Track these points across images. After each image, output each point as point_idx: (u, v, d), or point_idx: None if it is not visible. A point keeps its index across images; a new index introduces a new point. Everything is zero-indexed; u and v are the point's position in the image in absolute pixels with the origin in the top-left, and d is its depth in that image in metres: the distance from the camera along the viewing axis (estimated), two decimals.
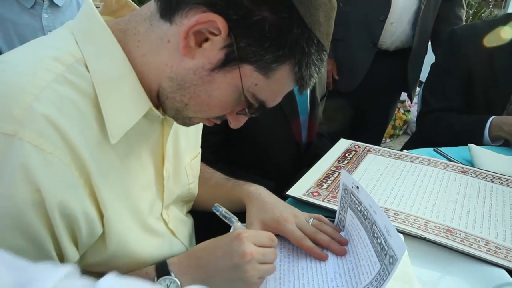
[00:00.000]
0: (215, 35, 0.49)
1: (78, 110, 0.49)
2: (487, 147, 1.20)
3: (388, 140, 3.31)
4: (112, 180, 0.55)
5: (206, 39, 0.50)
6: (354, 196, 0.71)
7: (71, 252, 0.52)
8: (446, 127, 1.31)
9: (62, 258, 0.52)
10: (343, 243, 0.73)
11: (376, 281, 0.59)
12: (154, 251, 0.65)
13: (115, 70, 0.52)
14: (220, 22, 0.47)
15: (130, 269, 0.62)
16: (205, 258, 0.62)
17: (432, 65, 1.56)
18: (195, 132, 0.80)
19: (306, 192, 0.88)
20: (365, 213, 0.67)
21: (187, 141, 0.76)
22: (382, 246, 0.60)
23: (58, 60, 0.50)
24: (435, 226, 0.78)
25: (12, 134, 0.44)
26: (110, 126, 0.52)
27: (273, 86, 0.54)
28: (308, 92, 1.17)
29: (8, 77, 0.47)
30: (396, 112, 3.29)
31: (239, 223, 0.68)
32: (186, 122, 0.60)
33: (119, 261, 0.59)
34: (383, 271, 0.58)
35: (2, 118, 0.44)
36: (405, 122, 3.30)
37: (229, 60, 0.50)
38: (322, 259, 0.70)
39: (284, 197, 0.87)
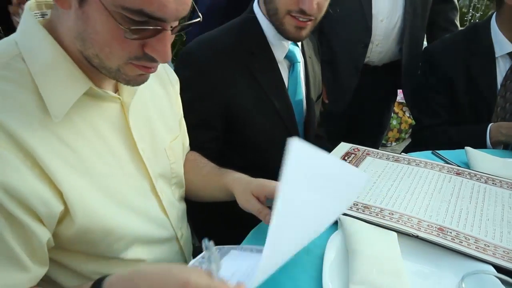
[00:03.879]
0: None
1: (14, 100, 0.57)
2: (484, 150, 1.24)
3: (394, 143, 3.34)
4: (66, 158, 0.61)
5: None
6: None
7: (40, 231, 0.59)
8: (446, 141, 1.36)
9: (30, 239, 0.58)
10: None
11: None
12: (133, 226, 0.71)
13: (48, 57, 0.60)
14: None
15: (108, 245, 0.67)
16: None
17: (415, 85, 1.62)
18: (173, 115, 0.87)
19: None
20: None
21: (165, 123, 0.82)
22: None
23: None
24: (428, 225, 0.82)
25: None
26: (51, 108, 0.59)
27: None
28: (303, 93, 1.22)
29: None
30: (401, 115, 3.32)
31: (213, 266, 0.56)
32: (124, 77, 0.61)
33: (94, 236, 0.65)
34: None
35: None
36: (411, 125, 3.32)
37: None
38: None
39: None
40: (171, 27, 0.57)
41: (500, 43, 1.41)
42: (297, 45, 1.19)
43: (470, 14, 5.31)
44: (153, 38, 0.57)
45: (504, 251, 0.76)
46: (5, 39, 0.63)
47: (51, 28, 0.61)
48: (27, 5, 0.63)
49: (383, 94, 1.83)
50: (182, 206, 0.90)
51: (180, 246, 0.86)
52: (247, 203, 0.79)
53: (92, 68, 0.61)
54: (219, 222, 1.18)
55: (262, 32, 1.10)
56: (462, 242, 0.77)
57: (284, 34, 1.05)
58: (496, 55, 1.42)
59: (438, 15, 1.78)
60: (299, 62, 1.20)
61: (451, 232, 0.80)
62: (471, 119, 1.47)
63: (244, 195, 0.80)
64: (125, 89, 0.70)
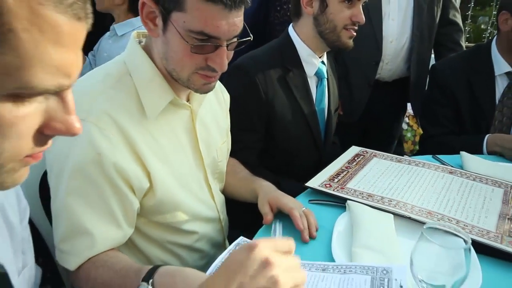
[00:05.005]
0: (154, 12, 0.77)
1: (123, 104, 0.80)
2: (481, 156, 1.41)
3: (408, 155, 3.49)
4: (154, 149, 0.84)
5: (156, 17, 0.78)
6: None
7: (134, 200, 0.82)
8: (448, 149, 1.51)
9: (126, 205, 0.81)
10: (312, 236, 0.93)
11: None
12: (191, 204, 0.94)
13: (147, 73, 0.84)
14: (148, 2, 0.76)
15: (174, 216, 0.90)
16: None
17: (424, 98, 1.83)
18: (224, 124, 1.10)
19: (321, 184, 1.14)
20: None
21: (218, 129, 1.05)
22: None
23: (110, 75, 0.83)
24: (419, 210, 1.01)
25: (83, 119, 0.75)
26: (147, 110, 0.83)
27: (194, 13, 0.73)
28: (326, 104, 1.44)
29: (82, 88, 0.79)
30: (416, 128, 3.48)
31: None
32: (193, 85, 0.82)
33: (166, 208, 0.89)
34: None
35: (77, 110, 0.77)
36: None
37: (165, 21, 0.76)
38: (300, 229, 0.92)
39: (304, 188, 1.13)
40: (227, 44, 0.79)
41: (499, 63, 1.60)
42: (325, 64, 1.42)
43: (489, 31, 5.44)
44: (213, 53, 0.78)
45: (479, 230, 0.94)
46: (116, 59, 0.87)
47: (147, 52, 0.85)
48: (132, 35, 0.88)
49: (393, 107, 2.02)
50: (223, 196, 1.12)
51: (222, 226, 1.08)
52: (262, 207, 1.01)
53: (174, 82, 0.84)
54: (247, 214, 1.39)
55: (296, 52, 1.34)
56: (445, 223, 0.96)
57: (338, 44, 1.30)
58: (496, 74, 1.60)
59: (444, 37, 1.98)
60: (326, 78, 1.42)
61: (437, 215, 0.99)
62: (472, 130, 1.65)
63: (262, 200, 1.01)
64: (195, 99, 0.94)
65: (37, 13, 0.33)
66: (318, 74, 1.39)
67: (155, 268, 0.71)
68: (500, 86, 1.61)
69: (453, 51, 1.96)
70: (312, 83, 1.39)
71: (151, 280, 0.68)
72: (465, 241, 0.66)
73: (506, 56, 1.58)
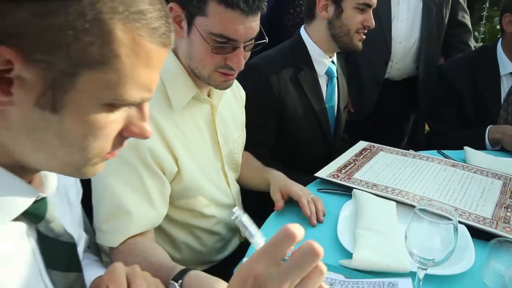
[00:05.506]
0: (180, 15, 0.87)
1: (153, 96, 0.88)
2: (483, 150, 1.48)
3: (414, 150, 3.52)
4: (179, 138, 0.94)
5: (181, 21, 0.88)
6: None
7: (167, 182, 0.92)
8: (453, 144, 1.58)
9: (161, 187, 0.91)
10: (319, 221, 1.03)
11: None
12: (211, 191, 1.03)
13: (174, 70, 0.93)
14: (175, 7, 0.86)
15: (196, 200, 0.99)
16: None
17: (430, 97, 1.90)
18: (240, 119, 1.20)
19: (329, 174, 1.22)
20: None
21: (234, 123, 1.14)
22: None
23: None
24: (420, 198, 1.09)
25: None
26: (174, 104, 0.93)
27: (215, 18, 0.82)
28: (335, 102, 1.52)
29: None
30: (427, 128, 3.51)
31: (259, 238, 0.48)
32: (213, 82, 0.92)
33: (190, 192, 0.98)
34: None
35: None
36: None
37: (190, 24, 0.87)
38: (308, 215, 1.01)
39: (313, 178, 1.22)
40: (244, 46, 0.89)
41: (504, 63, 1.66)
42: (335, 63, 1.50)
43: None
44: (231, 53, 0.88)
45: (476, 217, 1.01)
46: None
47: (173, 51, 0.95)
48: None
49: (403, 105, 2.09)
50: (238, 186, 1.22)
51: None
52: (273, 194, 1.10)
53: (196, 79, 0.94)
54: (260, 202, 1.48)
55: (307, 52, 1.42)
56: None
57: (350, 47, 1.39)
58: (501, 74, 1.66)
59: (453, 37, 2.04)
60: (336, 76, 1.51)
61: (438, 203, 1.06)
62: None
63: (274, 189, 1.11)
64: (215, 95, 1.03)
65: (137, 42, 0.43)
66: (328, 73, 1.47)
67: (186, 270, 0.76)
68: (506, 85, 1.67)
69: (461, 51, 2.01)
70: (323, 81, 1.47)
71: (180, 281, 0.73)
72: (452, 220, 0.74)
73: (511, 56, 1.64)
